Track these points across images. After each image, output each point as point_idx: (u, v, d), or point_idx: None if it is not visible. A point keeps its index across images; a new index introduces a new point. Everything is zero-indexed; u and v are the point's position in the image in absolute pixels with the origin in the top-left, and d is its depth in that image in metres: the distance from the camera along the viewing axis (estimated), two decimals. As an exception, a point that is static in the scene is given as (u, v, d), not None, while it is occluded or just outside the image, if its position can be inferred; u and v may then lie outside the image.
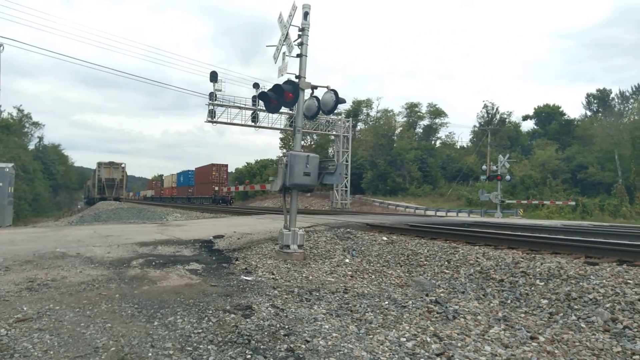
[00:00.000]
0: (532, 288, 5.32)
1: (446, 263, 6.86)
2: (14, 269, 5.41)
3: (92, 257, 6.33)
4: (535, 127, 61.26)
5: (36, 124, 61.84)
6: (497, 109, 59.33)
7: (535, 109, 61.48)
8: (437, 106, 63.04)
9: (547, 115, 58.79)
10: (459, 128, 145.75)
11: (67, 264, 5.81)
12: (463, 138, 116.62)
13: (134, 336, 3.30)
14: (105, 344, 3.12)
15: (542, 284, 5.36)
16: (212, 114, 29.19)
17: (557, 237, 8.55)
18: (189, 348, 3.14)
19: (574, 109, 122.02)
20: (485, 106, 59.61)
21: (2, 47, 17.22)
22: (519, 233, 9.87)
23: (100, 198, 51.27)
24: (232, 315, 3.93)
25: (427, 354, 3.37)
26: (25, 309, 3.85)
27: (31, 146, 58.98)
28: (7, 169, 19.40)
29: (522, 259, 6.34)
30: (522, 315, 4.66)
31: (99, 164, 53.89)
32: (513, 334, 3.95)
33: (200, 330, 3.50)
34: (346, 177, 37.06)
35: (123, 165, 55.33)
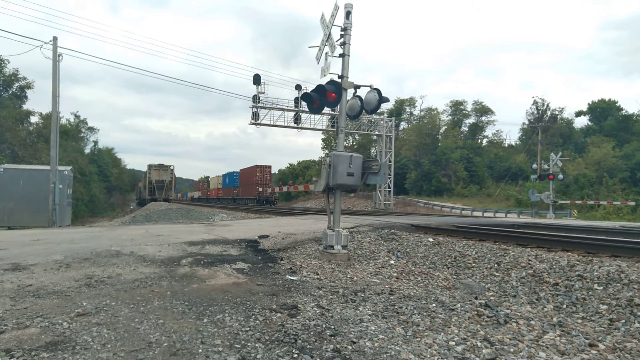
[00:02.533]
0: (590, 293, 5.05)
1: (496, 265, 6.64)
2: (73, 266, 5.71)
3: (144, 256, 6.58)
4: (590, 123, 58.15)
5: (91, 129, 65.09)
6: (547, 105, 56.87)
7: (589, 104, 58.37)
8: (483, 104, 61.12)
9: (603, 111, 55.64)
10: (507, 126, 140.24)
11: (121, 262, 6.07)
12: (511, 136, 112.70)
13: (184, 332, 3.40)
14: (158, 339, 3.23)
15: (601, 288, 5.08)
16: (255, 116, 29.69)
17: (616, 239, 8.07)
18: (237, 345, 3.19)
19: (632, 103, 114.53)
20: (535, 102, 57.26)
21: (61, 57, 18.26)
22: (574, 235, 9.40)
23: (151, 199, 53.28)
24: (279, 315, 3.97)
25: (477, 358, 3.26)
26: (84, 304, 4.05)
27: (87, 150, 62.13)
28: (66, 172, 20.59)
29: (578, 262, 6.03)
30: (579, 321, 4.43)
31: (150, 167, 56.00)
32: (570, 341, 3.76)
33: (248, 329, 3.55)
34: (389, 178, 36.68)
35: (172, 168, 57.25)
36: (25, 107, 44.75)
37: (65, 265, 5.72)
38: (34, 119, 45.57)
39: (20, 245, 7.49)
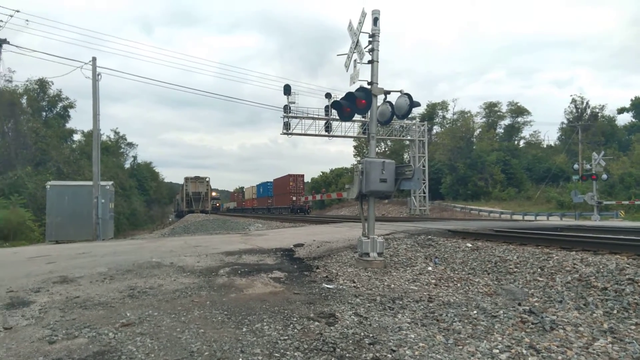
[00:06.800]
0: (643, 297, 4.79)
1: (539, 270, 6.41)
2: (117, 278, 5.90)
3: (184, 267, 6.73)
4: (634, 120, 55.73)
5: (130, 145, 67.54)
6: (587, 103, 54.85)
7: (632, 100, 56.03)
8: (518, 104, 59.48)
9: (648, 106, 53.19)
10: (545, 126, 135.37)
11: (162, 273, 6.23)
12: (550, 136, 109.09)
13: (224, 341, 3.44)
14: (199, 349, 3.28)
15: (655, 292, 4.81)
16: (287, 126, 30.03)
17: (668, 241, 7.63)
18: (276, 354, 3.21)
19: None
20: (574, 101, 55.37)
21: (100, 76, 19.08)
22: (622, 237, 8.97)
23: (188, 211, 54.47)
24: (317, 323, 3.97)
25: (523, 367, 3.15)
26: (128, 314, 4.17)
27: (127, 165, 64.43)
28: (108, 187, 21.38)
29: (628, 265, 5.74)
30: (632, 327, 4.21)
31: (186, 179, 57.30)
32: (623, 348, 3.57)
33: (286, 337, 3.56)
34: (424, 183, 36.18)
35: (207, 179, 58.35)
36: (68, 125, 47.05)
37: (109, 277, 5.92)
38: (76, 137, 47.80)
39: (67, 258, 7.81)
